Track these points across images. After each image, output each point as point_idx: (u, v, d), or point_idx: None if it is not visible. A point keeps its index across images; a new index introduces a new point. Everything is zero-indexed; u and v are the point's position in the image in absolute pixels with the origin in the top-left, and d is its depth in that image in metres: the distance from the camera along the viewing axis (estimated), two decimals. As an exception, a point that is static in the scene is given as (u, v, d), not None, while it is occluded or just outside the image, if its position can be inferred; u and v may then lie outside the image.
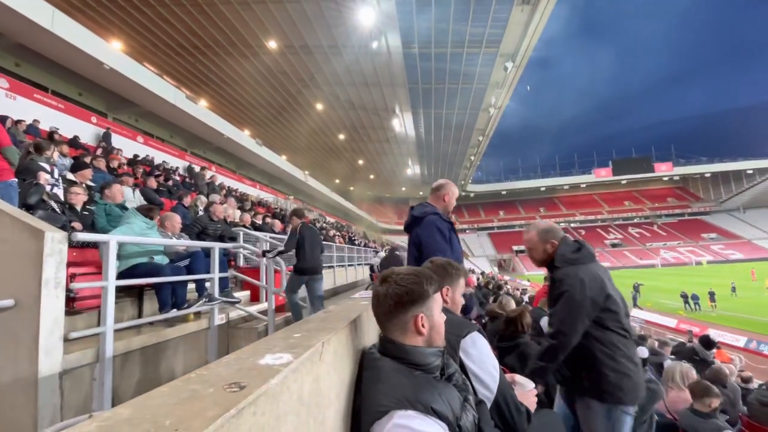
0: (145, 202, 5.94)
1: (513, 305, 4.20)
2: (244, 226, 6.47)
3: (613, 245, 60.34)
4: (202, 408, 0.53)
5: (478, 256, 60.68)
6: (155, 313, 3.35)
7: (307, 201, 38.72)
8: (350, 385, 1.15)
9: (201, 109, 19.85)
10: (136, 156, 12.55)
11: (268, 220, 9.35)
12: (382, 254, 12.32)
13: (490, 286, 8.57)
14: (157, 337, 3.16)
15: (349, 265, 11.96)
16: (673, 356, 6.01)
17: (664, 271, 44.42)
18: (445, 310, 1.29)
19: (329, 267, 8.88)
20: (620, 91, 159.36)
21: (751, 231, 57.78)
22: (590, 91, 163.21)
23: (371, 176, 47.14)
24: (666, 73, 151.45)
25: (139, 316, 3.41)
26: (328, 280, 8.43)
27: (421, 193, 65.40)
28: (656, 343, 6.84)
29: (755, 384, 6.12)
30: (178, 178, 12.25)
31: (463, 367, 1.31)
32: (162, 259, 3.50)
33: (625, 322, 2.03)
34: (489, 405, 1.27)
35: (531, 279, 41.34)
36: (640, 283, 27.66)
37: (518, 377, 1.70)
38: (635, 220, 67.93)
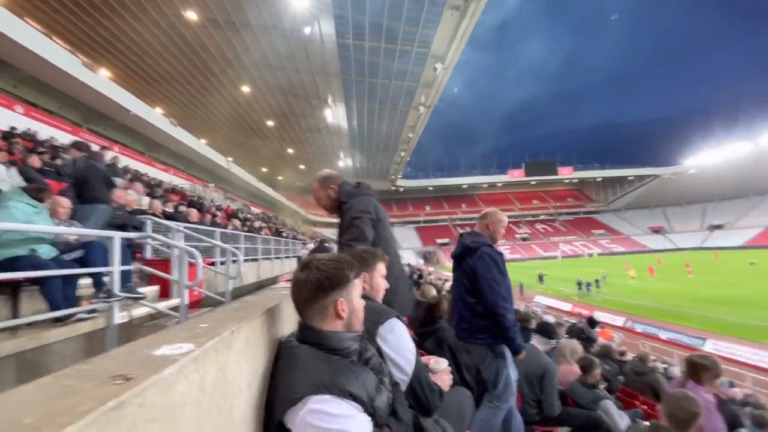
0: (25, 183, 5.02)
1: (434, 293, 4.43)
2: (154, 214, 5.83)
3: (523, 239, 67.05)
4: (74, 403, 0.47)
5: (406, 249, 62.83)
6: (37, 312, 2.86)
7: (230, 189, 36.29)
8: (264, 375, 1.12)
9: (101, 80, 17.33)
10: (13, 128, 10.53)
11: (182, 208, 8.55)
12: (311, 246, 12.09)
13: (414, 276, 8.94)
14: (39, 340, 2.71)
15: (275, 258, 11.53)
16: (567, 335, 6.88)
17: (563, 262, 50.62)
18: (364, 297, 1.32)
19: (253, 260, 8.44)
20: (535, 99, 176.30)
21: (630, 228, 68.74)
22: (509, 99, 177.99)
23: (301, 166, 45.72)
24: (574, 87, 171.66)
25: (15, 316, 2.89)
26: (252, 273, 8.02)
27: (353, 186, 65.51)
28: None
29: (629, 357, 7.31)
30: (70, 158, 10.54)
31: (380, 351, 1.35)
32: (49, 251, 3.00)
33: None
34: (404, 387, 1.34)
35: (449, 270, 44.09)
36: (544, 272, 31.22)
37: (433, 360, 1.80)
38: (541, 217, 76.21)
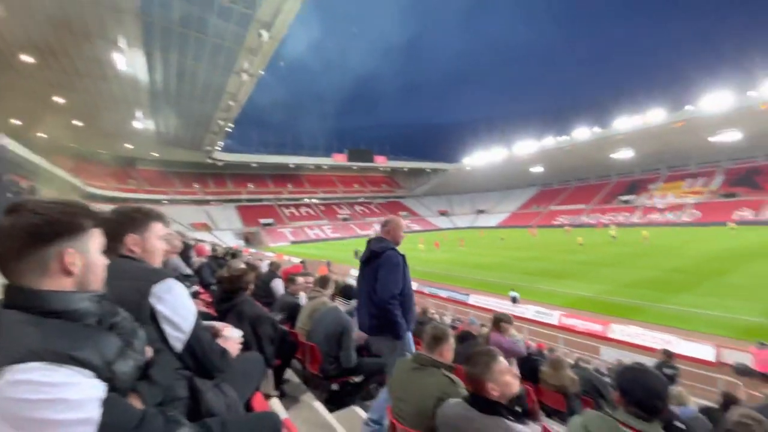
0: None
1: (241, 266, 4.21)
2: None
3: (344, 219, 71.96)
4: None
5: (224, 230, 57.61)
6: None
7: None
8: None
9: None
10: None
11: None
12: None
13: (227, 257, 8.29)
14: None
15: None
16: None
17: (376, 240, 56.92)
18: (132, 259, 1.23)
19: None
20: (362, 90, 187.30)
21: (426, 211, 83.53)
22: (341, 85, 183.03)
23: (77, 122, 34.87)
24: (409, 81, 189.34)
25: None
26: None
27: (154, 154, 54.72)
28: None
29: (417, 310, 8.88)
30: None
31: (154, 312, 1.23)
32: None
33: None
34: (181, 347, 1.28)
35: (275, 250, 43.27)
36: (359, 249, 34.29)
37: (228, 329, 1.72)
38: (360, 200, 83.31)
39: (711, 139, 50.99)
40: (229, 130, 43.54)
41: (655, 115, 51.18)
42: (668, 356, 6.69)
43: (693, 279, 17.17)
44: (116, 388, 0.90)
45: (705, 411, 4.50)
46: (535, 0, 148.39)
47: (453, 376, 2.01)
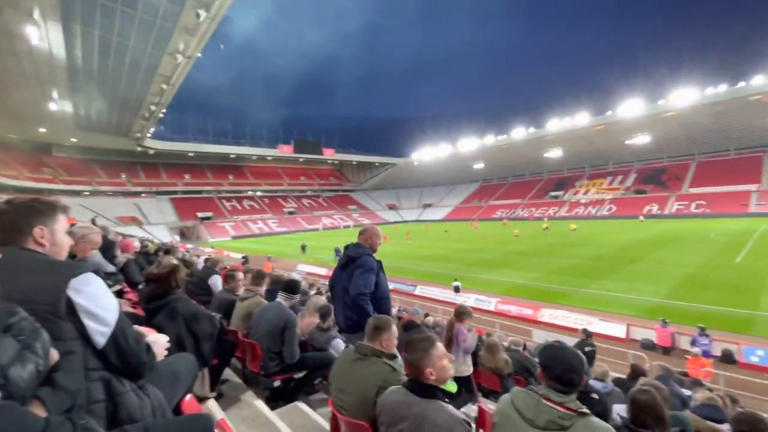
0: None
1: (172, 262, 3.92)
2: None
3: (290, 213, 69.95)
4: None
5: (157, 224, 53.14)
6: None
7: None
8: None
9: None
10: None
11: None
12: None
13: (159, 253, 7.67)
14: None
15: None
16: (321, 294, 7.70)
17: (324, 233, 56.24)
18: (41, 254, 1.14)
19: None
20: (311, 79, 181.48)
21: (375, 205, 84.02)
22: (290, 73, 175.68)
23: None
24: (348, 76, 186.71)
25: None
26: None
27: (73, 139, 48.77)
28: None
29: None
30: None
31: (72, 306, 1.13)
32: None
33: None
34: (104, 341, 1.19)
35: (215, 246, 40.93)
36: (306, 243, 33.77)
37: (152, 333, 1.61)
38: (308, 193, 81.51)
39: (627, 141, 57.50)
40: (162, 115, 40.05)
41: (581, 119, 56.56)
42: (587, 335, 7.45)
43: (610, 266, 19.24)
44: (12, 396, 0.80)
45: (617, 382, 5.09)
46: (486, 3, 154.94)
47: (395, 364, 2.05)
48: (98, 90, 30.36)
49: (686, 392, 4.70)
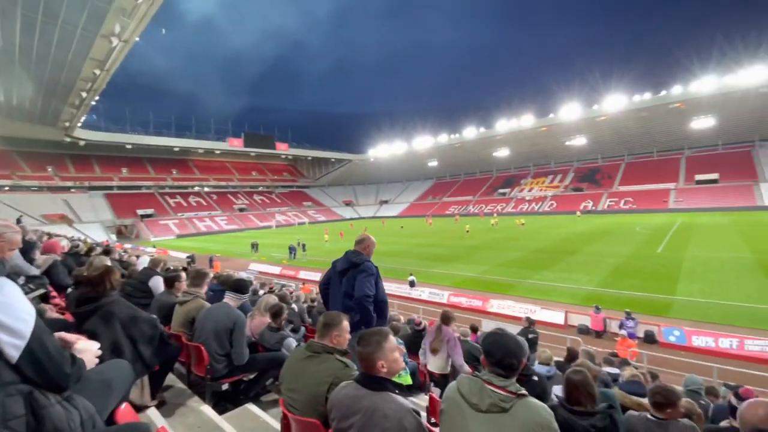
0: None
1: (105, 263, 3.62)
2: None
3: (240, 210, 67.08)
4: None
5: (90, 222, 48.51)
6: None
7: None
8: None
9: None
10: None
11: None
12: None
13: (93, 253, 7.02)
14: None
15: None
16: (269, 292, 7.49)
17: (277, 231, 54.64)
18: None
19: None
20: (264, 71, 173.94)
21: (331, 201, 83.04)
22: (241, 63, 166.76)
23: None
24: (304, 69, 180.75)
25: None
26: None
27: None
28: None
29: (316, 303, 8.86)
30: None
31: None
32: None
33: None
34: (18, 355, 1.09)
35: (157, 245, 38.24)
36: (256, 241, 32.67)
37: (81, 340, 1.49)
38: (260, 189, 78.61)
39: (566, 142, 61.95)
40: (95, 103, 36.48)
41: (526, 120, 60.06)
42: (530, 323, 7.96)
43: (550, 258, 20.66)
44: None
45: (556, 365, 5.50)
46: (440, 7, 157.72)
47: (347, 360, 2.06)
48: (21, 73, 26.94)
49: (615, 371, 5.20)
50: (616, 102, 51.30)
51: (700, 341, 9.71)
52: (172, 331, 3.51)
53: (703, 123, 49.74)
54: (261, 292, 6.98)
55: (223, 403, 3.25)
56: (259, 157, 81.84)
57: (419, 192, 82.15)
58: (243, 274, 3.65)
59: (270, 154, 79.70)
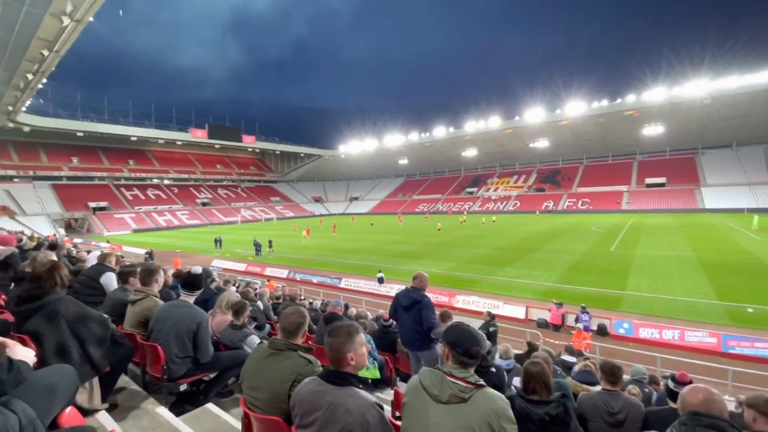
0: None
1: (51, 259, 3.37)
2: None
3: (203, 204, 64.52)
4: None
5: (35, 215, 44.91)
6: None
7: None
8: None
9: None
10: None
11: None
12: None
13: (37, 249, 6.51)
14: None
15: None
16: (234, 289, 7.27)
17: (243, 226, 53.04)
18: None
19: None
20: (234, 58, 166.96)
21: (300, 197, 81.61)
22: (210, 48, 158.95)
23: None
24: (275, 61, 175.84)
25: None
26: None
27: None
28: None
29: (281, 301, 8.71)
30: None
31: None
32: None
33: None
34: None
35: (112, 240, 36.04)
36: (219, 236, 31.61)
37: (16, 346, 1.39)
38: (224, 183, 75.93)
39: (530, 144, 64.42)
40: (42, 86, 33.67)
41: (493, 122, 61.82)
42: (491, 317, 8.26)
43: (513, 255, 21.46)
44: None
45: (516, 358, 5.73)
46: (408, 8, 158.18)
47: (311, 357, 2.04)
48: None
49: (573, 359, 5.51)
50: (577, 107, 53.91)
51: (646, 333, 10.45)
52: (124, 331, 3.33)
53: (653, 130, 53.39)
54: (233, 289, 6.76)
55: (182, 404, 3.13)
56: (224, 150, 78.97)
57: (390, 189, 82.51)
58: (198, 269, 3.43)
59: (236, 147, 77.07)
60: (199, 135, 67.13)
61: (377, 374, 4.65)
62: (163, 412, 2.84)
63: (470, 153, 70.81)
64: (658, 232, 28.43)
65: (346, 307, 10.29)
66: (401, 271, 18.74)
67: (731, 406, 5.46)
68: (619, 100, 52.13)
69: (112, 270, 4.29)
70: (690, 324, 10.62)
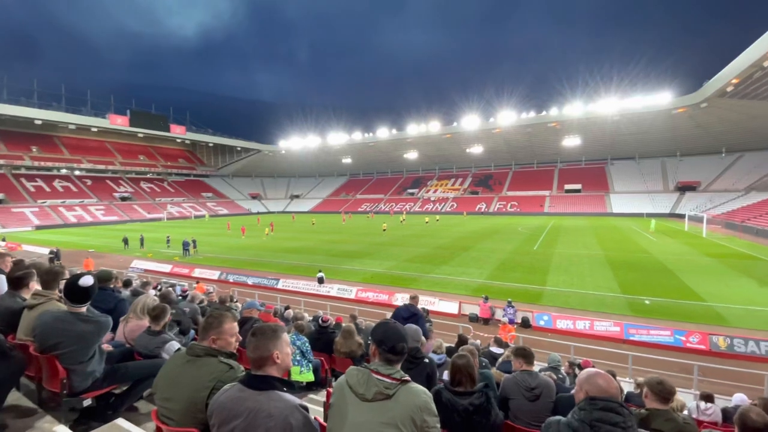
0: None
1: None
2: None
3: (123, 198, 58.29)
4: None
5: None
6: None
7: None
8: None
9: None
10: None
11: None
12: None
13: None
14: None
15: None
16: (152, 292, 6.65)
17: (168, 223, 48.84)
18: None
19: None
20: (157, 36, 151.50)
21: (235, 193, 77.18)
22: (128, 22, 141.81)
23: None
24: (210, 43, 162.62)
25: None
26: None
27: None
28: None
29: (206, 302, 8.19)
30: None
31: None
32: None
33: None
34: None
35: (8, 238, 31.05)
36: (126, 236, 28.90)
37: None
38: (149, 175, 69.30)
39: (467, 149, 67.97)
40: None
41: (433, 126, 64.38)
42: (426, 312, 8.57)
43: (449, 254, 22.49)
44: None
45: (447, 351, 6.00)
46: (366, 10, 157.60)
47: (233, 362, 1.92)
48: None
49: (501, 350, 5.93)
50: (508, 117, 58.12)
51: (562, 324, 11.58)
52: (17, 341, 2.89)
53: (572, 141, 59.37)
54: (152, 292, 6.15)
55: (86, 421, 2.79)
56: (148, 140, 72.03)
57: (333, 188, 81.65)
58: (88, 281, 2.82)
59: (162, 137, 70.64)
60: (119, 122, 60.30)
61: (311, 377, 4.57)
62: (62, 430, 2.51)
63: (412, 155, 72.76)
64: (573, 233, 31.69)
65: (286, 308, 10.00)
66: (342, 271, 18.64)
67: (630, 387, 6.29)
68: (543, 113, 57.16)
69: (2, 273, 3.69)
70: (598, 315, 11.99)
